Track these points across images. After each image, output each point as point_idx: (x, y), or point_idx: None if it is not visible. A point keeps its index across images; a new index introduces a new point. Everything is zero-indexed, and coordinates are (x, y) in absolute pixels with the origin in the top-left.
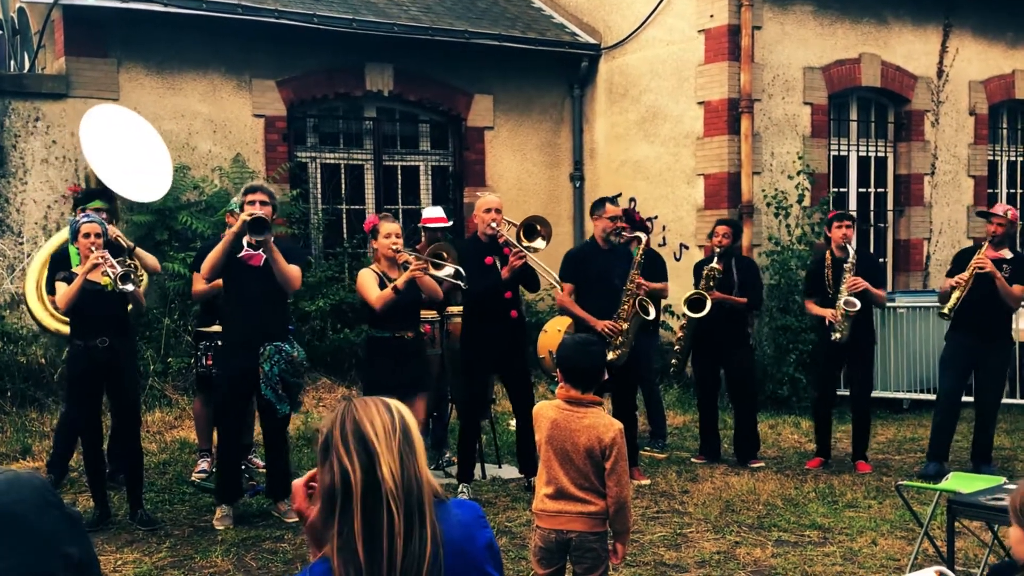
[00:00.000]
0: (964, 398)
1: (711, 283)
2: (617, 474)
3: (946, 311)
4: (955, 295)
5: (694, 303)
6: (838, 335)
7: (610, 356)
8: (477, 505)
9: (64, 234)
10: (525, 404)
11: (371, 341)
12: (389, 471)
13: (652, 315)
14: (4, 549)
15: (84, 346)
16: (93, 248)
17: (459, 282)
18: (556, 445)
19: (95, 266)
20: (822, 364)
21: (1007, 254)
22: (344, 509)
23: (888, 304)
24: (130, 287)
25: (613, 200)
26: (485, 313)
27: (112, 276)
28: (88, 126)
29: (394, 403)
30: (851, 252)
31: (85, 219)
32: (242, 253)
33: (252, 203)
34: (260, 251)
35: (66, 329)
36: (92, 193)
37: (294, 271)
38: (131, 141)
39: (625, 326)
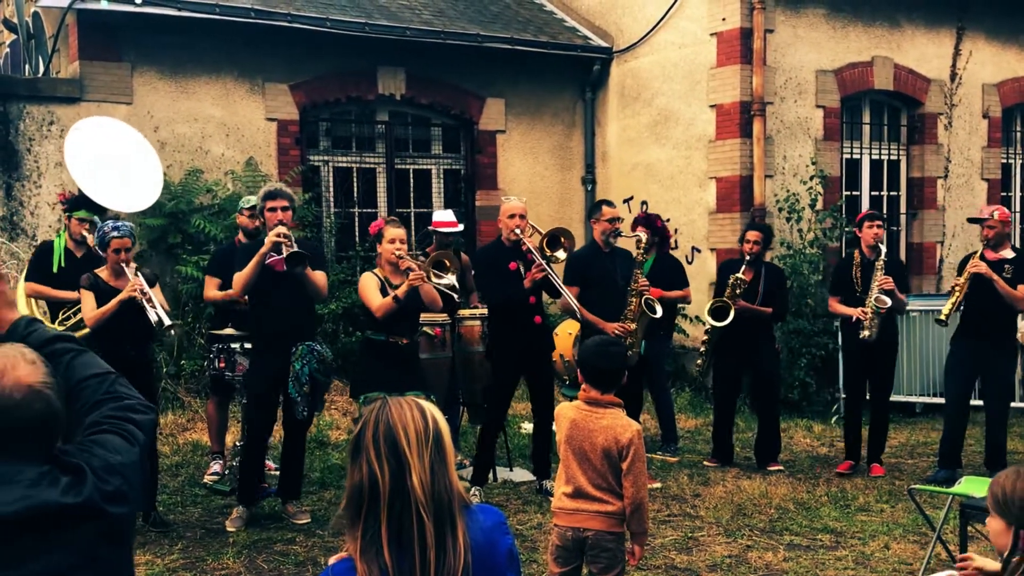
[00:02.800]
0: (973, 402)
1: (736, 292)
2: (634, 475)
3: (943, 316)
4: (951, 300)
5: (717, 311)
6: (866, 332)
7: None
8: (500, 511)
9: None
10: (546, 408)
11: (365, 343)
12: (419, 480)
13: (659, 313)
14: None
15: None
16: (124, 264)
17: (453, 294)
18: (575, 445)
19: (132, 295)
20: (847, 366)
21: (1008, 254)
22: (370, 511)
23: None
24: (167, 321)
25: (610, 202)
26: (510, 320)
27: (154, 320)
28: (74, 139)
29: (428, 407)
30: (883, 251)
31: (115, 234)
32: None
33: (274, 210)
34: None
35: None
36: (79, 202)
37: (323, 280)
38: (119, 151)
39: (633, 326)
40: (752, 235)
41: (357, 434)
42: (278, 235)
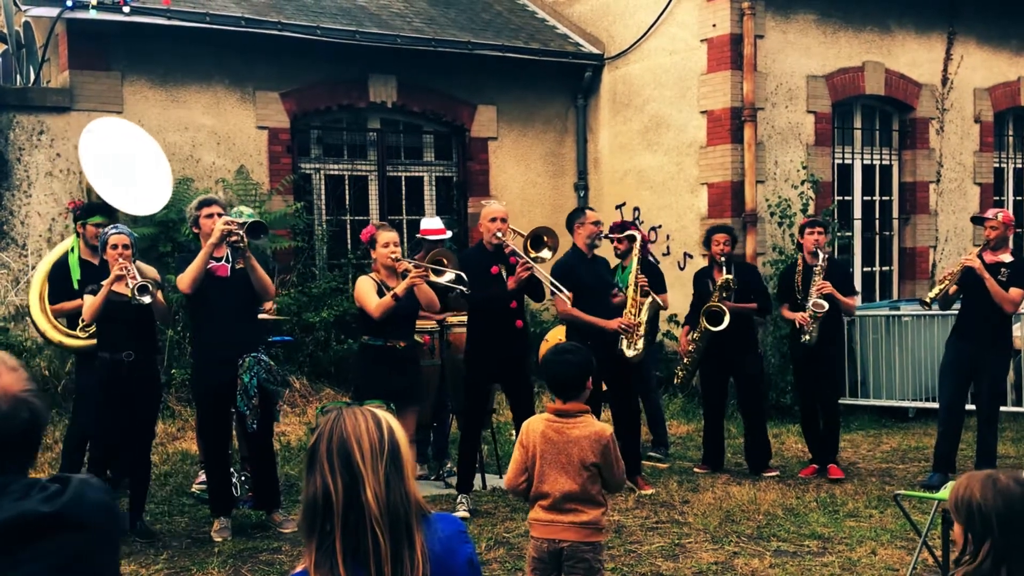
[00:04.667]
0: (968, 406)
1: (725, 294)
2: (616, 464)
3: (927, 299)
4: (939, 286)
5: (713, 316)
6: (807, 337)
7: (630, 353)
8: (459, 519)
9: (65, 245)
10: (526, 415)
11: (363, 348)
12: (373, 494)
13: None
14: None
15: (110, 359)
16: (120, 259)
17: (461, 287)
18: (549, 457)
19: (119, 278)
20: (795, 373)
21: (1006, 258)
22: (325, 525)
23: (893, 312)
24: (147, 299)
25: (590, 207)
26: (490, 322)
27: (131, 287)
28: (87, 140)
29: (384, 416)
30: (821, 256)
31: (113, 231)
32: (208, 265)
33: (211, 216)
34: (235, 260)
35: (69, 341)
36: (92, 208)
37: (268, 279)
38: (130, 154)
39: (636, 320)
40: (719, 237)
41: (312, 446)
42: (226, 223)
